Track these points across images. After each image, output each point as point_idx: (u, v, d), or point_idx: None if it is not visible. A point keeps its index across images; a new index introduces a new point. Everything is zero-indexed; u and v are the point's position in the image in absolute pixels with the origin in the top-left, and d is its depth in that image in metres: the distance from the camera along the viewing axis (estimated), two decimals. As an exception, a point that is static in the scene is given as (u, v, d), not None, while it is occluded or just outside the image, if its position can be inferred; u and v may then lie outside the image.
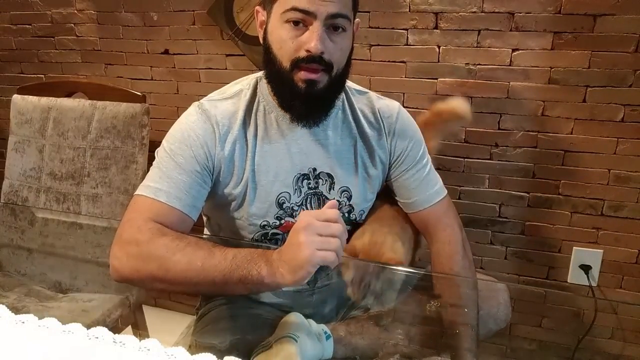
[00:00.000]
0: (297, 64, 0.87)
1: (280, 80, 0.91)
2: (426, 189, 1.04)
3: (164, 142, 0.94)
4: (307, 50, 0.85)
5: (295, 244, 0.72)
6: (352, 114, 1.02)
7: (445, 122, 1.28)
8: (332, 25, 0.86)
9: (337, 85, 0.94)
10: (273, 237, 0.99)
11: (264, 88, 0.97)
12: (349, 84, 1.05)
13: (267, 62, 0.92)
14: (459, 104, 1.26)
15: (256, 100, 0.97)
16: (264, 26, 0.93)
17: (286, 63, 0.88)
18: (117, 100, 1.50)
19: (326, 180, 0.99)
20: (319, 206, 0.99)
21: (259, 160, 0.95)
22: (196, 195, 0.91)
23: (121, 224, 0.87)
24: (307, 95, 0.89)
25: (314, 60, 0.86)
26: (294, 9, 0.84)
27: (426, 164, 1.06)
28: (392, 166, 1.05)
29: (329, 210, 0.75)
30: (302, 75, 0.87)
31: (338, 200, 1.00)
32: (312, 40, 0.84)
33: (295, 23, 0.85)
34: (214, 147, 0.92)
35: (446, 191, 1.07)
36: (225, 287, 0.79)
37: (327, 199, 0.99)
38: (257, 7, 0.94)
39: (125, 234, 0.85)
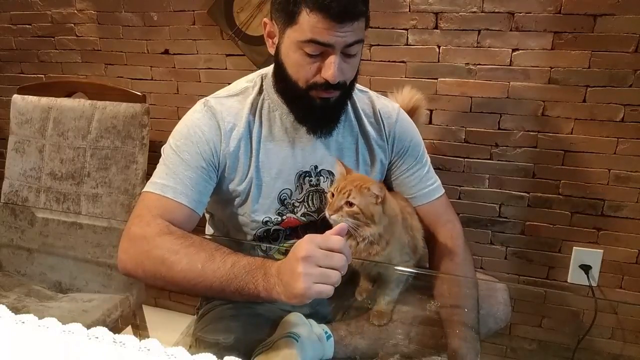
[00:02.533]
0: (313, 87, 0.88)
1: (295, 97, 0.92)
2: (425, 185, 1.07)
3: (170, 139, 0.95)
4: (324, 79, 0.86)
5: (294, 273, 0.71)
6: (354, 112, 1.03)
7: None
8: (348, 52, 0.87)
9: (348, 94, 0.96)
10: (275, 233, 1.00)
11: (269, 86, 0.98)
12: None
13: (280, 77, 0.93)
14: (409, 95, 1.23)
15: (261, 98, 0.98)
16: (274, 39, 0.92)
17: (302, 84, 0.89)
18: (117, 100, 1.50)
19: (327, 177, 1.00)
20: (320, 203, 1.00)
21: (262, 158, 0.96)
22: (202, 191, 0.92)
23: (130, 219, 0.89)
24: (322, 110, 0.91)
25: (330, 86, 0.87)
26: (313, 41, 0.83)
27: (425, 164, 1.08)
28: (392, 166, 1.06)
29: (334, 238, 0.72)
30: (318, 94, 0.89)
31: None
32: (329, 70, 0.85)
33: (313, 52, 0.85)
34: (219, 144, 0.93)
35: (444, 190, 1.09)
36: (222, 294, 0.80)
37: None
38: (265, 20, 0.93)
39: (134, 229, 0.86)
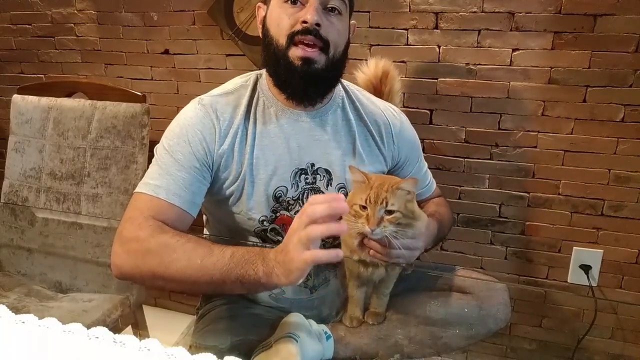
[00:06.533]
0: (292, 38, 0.89)
1: (276, 60, 0.92)
2: (425, 184, 1.13)
3: (163, 138, 0.95)
4: (304, 22, 0.88)
5: (287, 249, 0.72)
6: (352, 112, 1.03)
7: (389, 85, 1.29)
8: (328, 6, 0.90)
9: (334, 70, 0.95)
10: (272, 231, 1.00)
11: (264, 84, 0.98)
12: (350, 84, 1.06)
13: (265, 47, 0.95)
14: (375, 63, 1.27)
15: (256, 96, 0.98)
16: (264, 19, 0.96)
17: (282, 39, 0.90)
18: (117, 100, 1.50)
19: (324, 176, 1.00)
20: None
21: (257, 154, 0.95)
22: (195, 192, 0.91)
23: (122, 222, 0.87)
24: (303, 73, 0.90)
25: (310, 33, 0.88)
26: None
27: (424, 163, 1.14)
28: (397, 168, 1.08)
29: (313, 197, 0.72)
30: (298, 52, 0.89)
31: None
32: (308, 12, 0.87)
33: (293, 2, 0.89)
34: (213, 143, 0.93)
35: (435, 183, 1.18)
36: (223, 286, 0.79)
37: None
38: (259, 4, 0.98)
39: (126, 232, 0.85)
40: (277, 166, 0.96)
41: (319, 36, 0.88)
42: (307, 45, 0.89)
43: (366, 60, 1.32)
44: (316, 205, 0.69)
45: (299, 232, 0.70)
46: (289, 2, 0.89)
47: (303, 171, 0.98)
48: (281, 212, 0.98)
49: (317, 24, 0.87)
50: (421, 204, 1.09)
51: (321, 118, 0.99)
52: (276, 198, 0.97)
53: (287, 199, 0.98)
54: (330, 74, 0.94)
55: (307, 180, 0.99)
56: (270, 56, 0.93)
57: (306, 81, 0.92)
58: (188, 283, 0.81)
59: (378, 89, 1.26)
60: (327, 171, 1.00)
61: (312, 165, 0.99)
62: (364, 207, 0.85)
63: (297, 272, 0.71)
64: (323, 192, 1.00)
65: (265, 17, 0.95)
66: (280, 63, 0.91)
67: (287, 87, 0.94)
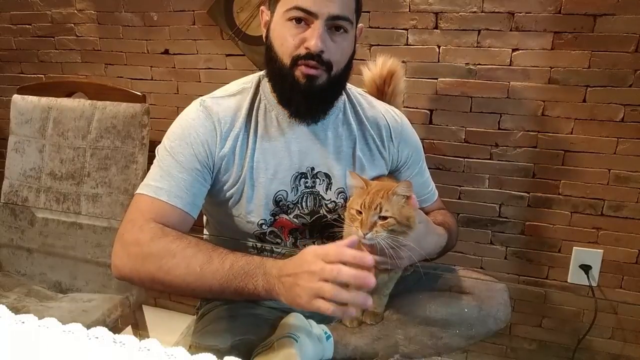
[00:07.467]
0: (296, 61, 0.88)
1: (280, 77, 0.92)
2: (427, 191, 1.11)
3: (164, 139, 0.95)
4: (307, 48, 0.87)
5: (297, 278, 0.70)
6: (353, 116, 1.02)
7: (392, 84, 1.26)
8: (334, 26, 0.88)
9: (336, 86, 0.95)
10: (271, 234, 1.00)
11: (266, 86, 0.98)
12: (351, 87, 1.06)
13: (269, 59, 0.94)
14: (383, 62, 1.25)
15: (258, 98, 0.98)
16: (268, 25, 0.95)
17: (286, 60, 0.89)
18: (117, 100, 1.50)
19: (323, 180, 0.99)
20: (314, 205, 0.99)
21: (258, 157, 0.95)
22: (197, 194, 0.91)
23: (123, 223, 0.87)
24: (307, 91, 0.90)
25: (312, 58, 0.87)
26: (297, 7, 0.86)
27: (425, 170, 1.12)
28: (397, 171, 1.07)
29: (339, 251, 0.69)
30: (302, 70, 0.89)
31: (334, 202, 1.00)
32: (312, 38, 0.86)
33: (298, 21, 0.87)
34: (215, 145, 0.93)
35: (437, 192, 1.15)
36: (222, 295, 0.79)
37: (324, 198, 1.00)
38: (263, 7, 0.96)
39: (127, 234, 0.85)
40: (278, 170, 0.96)
41: (321, 60, 0.88)
42: (310, 66, 0.88)
43: (374, 60, 1.29)
44: (346, 270, 0.68)
45: (322, 284, 0.68)
46: (294, 20, 0.87)
47: (303, 175, 0.98)
48: (280, 215, 0.98)
49: (321, 50, 0.87)
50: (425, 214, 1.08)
51: (322, 122, 0.99)
52: (276, 202, 0.97)
53: (287, 203, 0.98)
54: (332, 89, 0.94)
55: (307, 184, 0.99)
56: (274, 72, 0.93)
57: (309, 98, 0.91)
58: (187, 289, 0.81)
59: (381, 89, 1.26)
60: (327, 175, 0.99)
61: (312, 169, 0.98)
62: (360, 212, 0.84)
63: (299, 306, 0.71)
64: (323, 197, 0.99)
65: (269, 23, 0.94)
66: (285, 81, 0.91)
67: (291, 105, 0.94)
